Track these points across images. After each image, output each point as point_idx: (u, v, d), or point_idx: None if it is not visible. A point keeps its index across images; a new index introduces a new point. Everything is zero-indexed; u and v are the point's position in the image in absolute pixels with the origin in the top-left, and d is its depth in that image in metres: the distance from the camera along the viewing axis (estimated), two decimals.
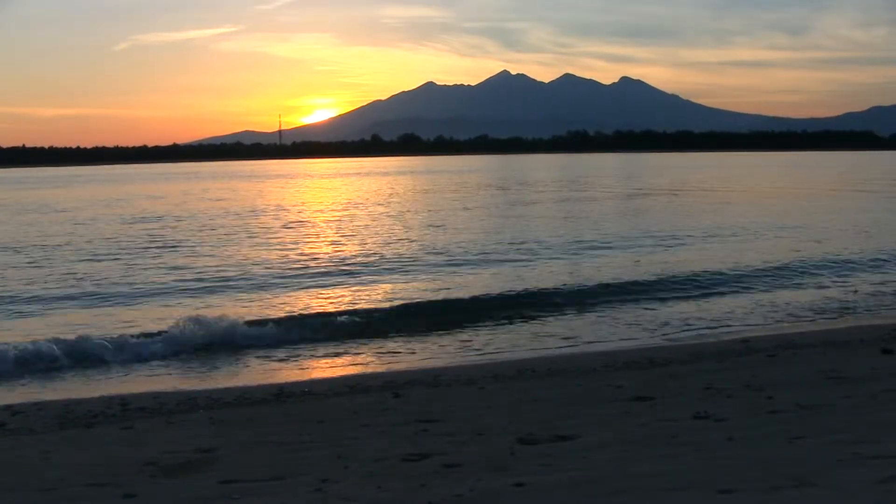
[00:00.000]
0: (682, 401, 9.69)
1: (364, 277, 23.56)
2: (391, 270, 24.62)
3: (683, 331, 16.40)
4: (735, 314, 17.87)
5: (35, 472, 7.80)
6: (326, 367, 14.61)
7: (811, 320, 17.34)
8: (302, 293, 21.31)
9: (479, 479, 6.70)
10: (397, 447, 7.97)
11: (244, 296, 20.93)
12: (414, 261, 26.32)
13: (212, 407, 10.99)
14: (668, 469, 6.74)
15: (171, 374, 14.02)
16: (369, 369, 13.97)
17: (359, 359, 14.97)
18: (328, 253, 28.95)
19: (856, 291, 20.20)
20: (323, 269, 24.96)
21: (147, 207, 54.96)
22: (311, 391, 11.93)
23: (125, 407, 11.07)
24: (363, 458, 7.61)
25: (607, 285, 20.93)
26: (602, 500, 6.07)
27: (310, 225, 40.86)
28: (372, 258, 27.14)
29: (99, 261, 27.56)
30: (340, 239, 33.71)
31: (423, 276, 23.49)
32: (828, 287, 21.03)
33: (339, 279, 23.34)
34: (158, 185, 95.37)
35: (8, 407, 11.29)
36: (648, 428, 8.35)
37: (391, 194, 67.94)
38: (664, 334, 16.20)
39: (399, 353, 15.18)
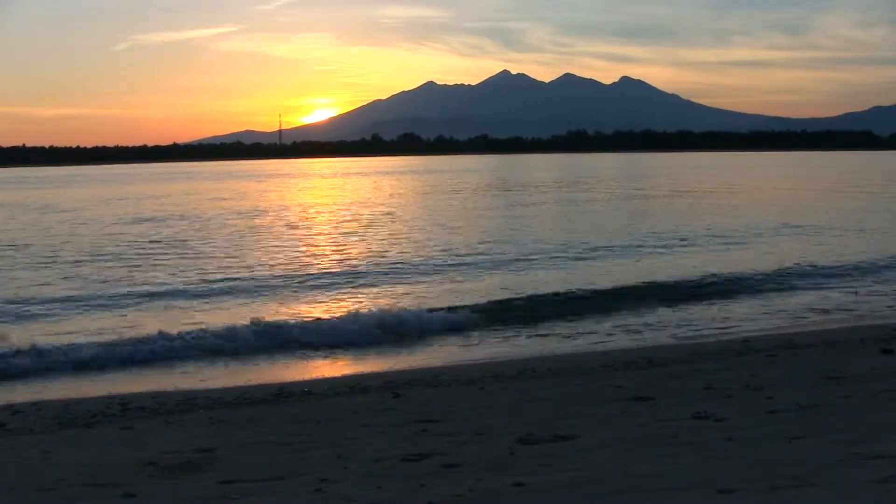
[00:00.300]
0: (682, 401, 9.69)
1: (395, 278, 23.72)
2: (424, 272, 24.57)
3: (688, 333, 16.36)
4: (736, 315, 17.85)
5: (35, 472, 7.80)
6: (326, 366, 14.63)
7: (812, 321, 17.34)
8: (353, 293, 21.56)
9: (478, 479, 6.69)
10: (397, 447, 7.96)
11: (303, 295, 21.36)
12: (435, 261, 26.40)
13: (211, 407, 10.99)
14: (668, 469, 6.73)
15: (178, 373, 14.03)
16: (369, 369, 13.98)
17: (359, 359, 15.01)
18: (377, 253, 28.84)
19: (856, 293, 20.19)
20: (383, 269, 25.09)
21: (166, 208, 54.13)
22: (310, 391, 11.93)
23: (125, 407, 11.07)
24: (363, 458, 7.60)
25: (623, 288, 20.82)
26: (602, 500, 6.06)
27: (339, 226, 40.34)
28: (405, 260, 27.12)
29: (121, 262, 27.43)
30: (382, 240, 33.36)
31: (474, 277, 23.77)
32: (830, 288, 21.01)
33: (400, 278, 23.59)
34: (172, 185, 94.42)
35: (8, 406, 11.30)
36: (648, 428, 8.35)
37: (403, 195, 67.53)
38: (671, 335, 16.20)
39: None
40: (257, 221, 43.32)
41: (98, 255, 29.27)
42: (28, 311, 19.29)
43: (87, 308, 19.56)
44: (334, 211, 50.49)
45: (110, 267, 26.14)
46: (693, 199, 57.00)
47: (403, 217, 44.52)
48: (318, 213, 49.52)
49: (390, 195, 66.96)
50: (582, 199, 59.16)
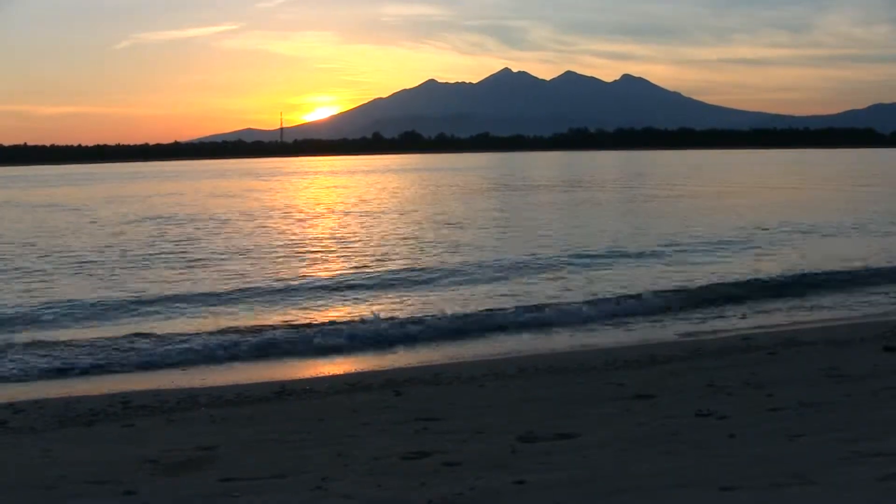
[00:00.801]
0: (683, 399, 9.69)
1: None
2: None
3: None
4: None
5: (36, 470, 7.80)
6: (327, 364, 14.63)
7: (813, 318, 17.33)
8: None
9: (479, 477, 6.69)
10: (398, 445, 7.96)
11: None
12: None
13: (213, 405, 10.99)
14: (669, 467, 6.73)
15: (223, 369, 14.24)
16: (370, 367, 13.99)
17: (360, 357, 15.03)
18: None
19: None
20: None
21: (211, 209, 52.54)
22: (311, 389, 11.93)
23: (126, 405, 11.06)
24: (363, 456, 7.60)
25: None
26: (603, 498, 6.06)
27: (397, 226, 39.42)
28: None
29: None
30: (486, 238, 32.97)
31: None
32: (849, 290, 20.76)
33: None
34: (185, 184, 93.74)
35: (9, 405, 11.29)
36: (649, 426, 8.35)
37: (431, 194, 65.88)
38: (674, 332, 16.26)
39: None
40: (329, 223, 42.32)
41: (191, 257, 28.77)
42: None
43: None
44: (382, 211, 48.27)
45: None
46: (709, 200, 55.79)
47: (475, 221, 42.03)
48: (376, 215, 46.79)
49: (428, 195, 64.78)
50: (637, 196, 58.55)
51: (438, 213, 46.80)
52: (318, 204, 56.32)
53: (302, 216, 45.83)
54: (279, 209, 51.66)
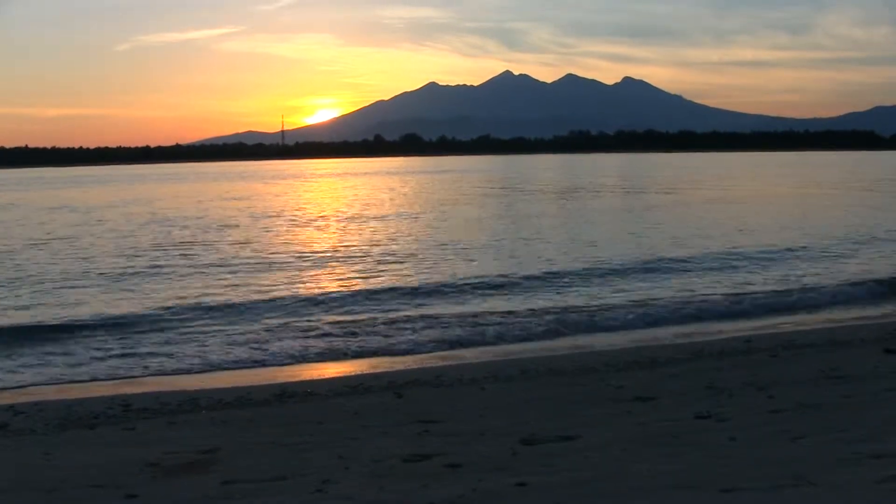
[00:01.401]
0: (684, 400, 9.69)
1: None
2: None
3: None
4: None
5: (36, 472, 7.80)
6: (328, 366, 14.62)
7: (813, 319, 17.35)
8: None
9: (480, 479, 6.69)
10: (399, 447, 7.96)
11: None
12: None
13: (214, 407, 10.99)
14: (670, 468, 6.73)
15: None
16: (371, 369, 13.98)
17: (363, 360, 15.02)
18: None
19: None
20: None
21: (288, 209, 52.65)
22: (312, 391, 11.93)
23: (127, 408, 11.07)
24: (364, 458, 7.60)
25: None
26: (604, 499, 6.06)
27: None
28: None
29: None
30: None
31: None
32: None
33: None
34: (203, 186, 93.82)
35: (10, 407, 11.30)
36: (650, 428, 8.35)
37: (455, 197, 64.38)
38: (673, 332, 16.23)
39: None
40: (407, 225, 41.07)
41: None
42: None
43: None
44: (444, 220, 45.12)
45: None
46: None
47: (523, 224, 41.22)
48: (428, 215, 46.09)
49: (454, 198, 63.28)
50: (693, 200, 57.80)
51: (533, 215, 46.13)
52: (334, 208, 55.51)
53: (335, 220, 45.05)
54: (306, 213, 51.00)
